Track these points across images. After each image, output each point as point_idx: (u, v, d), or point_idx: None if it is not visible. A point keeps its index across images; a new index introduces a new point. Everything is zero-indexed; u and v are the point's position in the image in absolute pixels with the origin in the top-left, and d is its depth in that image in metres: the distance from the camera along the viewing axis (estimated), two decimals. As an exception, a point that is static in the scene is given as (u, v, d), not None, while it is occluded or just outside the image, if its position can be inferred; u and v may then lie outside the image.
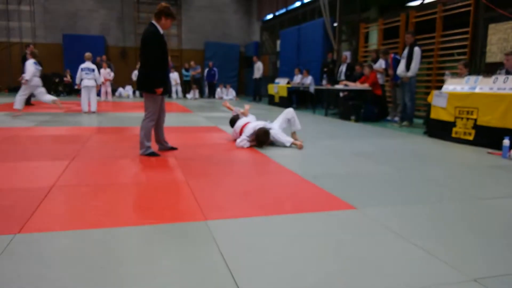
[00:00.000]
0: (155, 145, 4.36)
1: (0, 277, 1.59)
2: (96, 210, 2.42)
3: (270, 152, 4.46)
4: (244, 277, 1.63)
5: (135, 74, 15.84)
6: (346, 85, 8.75)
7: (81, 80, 8.56)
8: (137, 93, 16.14)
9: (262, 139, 4.68)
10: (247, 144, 4.74)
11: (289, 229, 2.21)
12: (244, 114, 5.42)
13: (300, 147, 4.73)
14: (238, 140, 4.83)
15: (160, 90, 4.03)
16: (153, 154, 4.12)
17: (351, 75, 9.66)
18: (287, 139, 4.80)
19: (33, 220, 2.21)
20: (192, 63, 16.56)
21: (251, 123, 5.01)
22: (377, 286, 1.59)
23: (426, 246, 1.99)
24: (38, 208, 2.40)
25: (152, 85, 4.00)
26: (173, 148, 4.46)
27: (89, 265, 1.72)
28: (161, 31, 4.02)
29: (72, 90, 15.86)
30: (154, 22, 4.01)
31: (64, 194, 2.75)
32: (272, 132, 4.82)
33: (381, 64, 8.58)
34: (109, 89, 12.49)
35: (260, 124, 4.90)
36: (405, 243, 2.03)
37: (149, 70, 3.99)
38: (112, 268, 1.69)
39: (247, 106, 5.66)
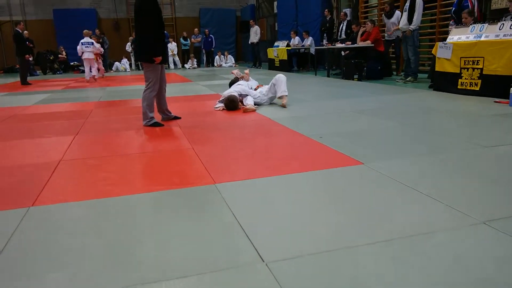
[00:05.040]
0: (158, 115, 4.34)
1: (19, 245, 1.63)
2: (106, 180, 2.44)
3: (274, 115, 4.42)
4: (257, 234, 1.66)
5: (128, 46, 15.48)
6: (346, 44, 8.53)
7: (82, 53, 10.13)
8: (133, 65, 15.88)
9: (228, 107, 4.82)
10: (219, 105, 4.96)
11: (298, 186, 2.23)
12: (244, 79, 5.35)
13: (284, 105, 4.86)
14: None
15: (159, 58, 3.95)
16: (156, 124, 4.10)
17: (351, 33, 9.39)
18: (248, 103, 4.83)
19: (45, 193, 2.24)
20: (195, 30, 16.18)
21: (238, 85, 5.06)
22: (386, 233, 1.61)
23: (434, 193, 2.00)
24: (48, 182, 2.43)
25: (151, 54, 3.92)
26: (176, 117, 4.44)
27: (104, 231, 1.75)
28: None
29: (68, 67, 15.65)
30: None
31: (73, 167, 2.77)
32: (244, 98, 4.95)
33: (398, 16, 7.81)
34: (100, 65, 12.19)
35: (235, 91, 4.95)
36: (412, 192, 2.04)
37: (146, 39, 3.89)
38: (128, 233, 1.72)
39: (246, 71, 5.62)
